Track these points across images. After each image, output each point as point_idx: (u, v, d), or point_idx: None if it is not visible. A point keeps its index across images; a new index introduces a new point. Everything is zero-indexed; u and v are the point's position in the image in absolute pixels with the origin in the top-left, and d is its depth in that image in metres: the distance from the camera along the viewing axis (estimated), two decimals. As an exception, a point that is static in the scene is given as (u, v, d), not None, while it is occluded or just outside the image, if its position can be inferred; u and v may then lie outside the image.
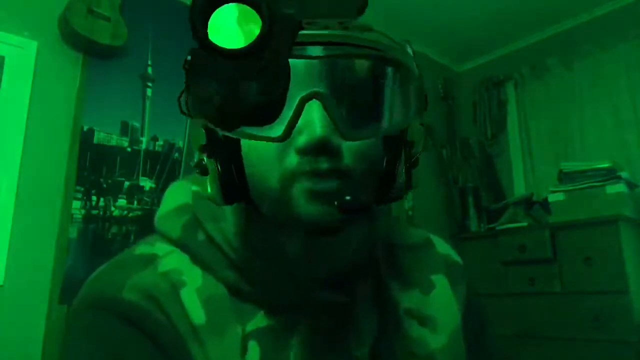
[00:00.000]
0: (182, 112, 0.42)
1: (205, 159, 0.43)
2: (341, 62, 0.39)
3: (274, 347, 0.46)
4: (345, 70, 0.40)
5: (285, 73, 0.32)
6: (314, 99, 0.38)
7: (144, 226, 1.83)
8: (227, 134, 0.39)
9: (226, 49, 0.29)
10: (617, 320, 2.08)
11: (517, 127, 3.15)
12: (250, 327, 0.46)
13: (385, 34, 0.41)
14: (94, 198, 1.73)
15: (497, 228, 2.64)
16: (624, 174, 2.31)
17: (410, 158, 0.45)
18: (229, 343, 0.45)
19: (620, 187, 2.27)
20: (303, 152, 0.40)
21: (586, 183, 2.35)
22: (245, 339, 0.46)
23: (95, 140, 1.77)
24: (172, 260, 0.49)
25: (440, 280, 0.58)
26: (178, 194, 0.55)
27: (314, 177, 0.40)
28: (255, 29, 0.29)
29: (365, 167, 0.42)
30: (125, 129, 1.86)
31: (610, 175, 2.30)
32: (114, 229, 1.75)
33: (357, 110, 0.41)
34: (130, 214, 1.81)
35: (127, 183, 1.82)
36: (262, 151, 0.41)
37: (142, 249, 0.51)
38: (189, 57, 0.37)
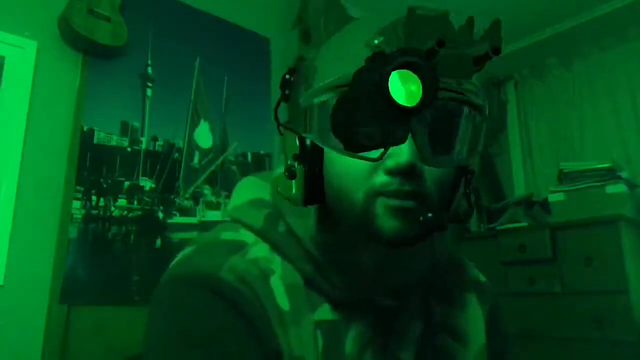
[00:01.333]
0: (279, 124, 0.50)
1: (296, 165, 0.49)
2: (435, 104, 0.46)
3: (334, 339, 0.51)
4: (440, 111, 0.46)
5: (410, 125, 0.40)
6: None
7: (144, 226, 1.83)
8: (334, 150, 0.45)
9: (403, 105, 0.37)
10: (617, 320, 2.08)
11: (517, 127, 3.15)
12: (317, 316, 0.52)
13: (471, 81, 0.47)
14: (94, 198, 1.73)
15: (497, 228, 2.64)
16: (624, 174, 2.31)
17: (470, 185, 0.52)
18: (305, 330, 0.50)
19: (620, 187, 2.27)
20: (392, 172, 0.45)
21: (586, 183, 2.35)
22: (315, 327, 0.51)
23: (95, 140, 1.77)
24: (259, 249, 0.54)
25: (472, 299, 0.64)
26: (252, 188, 0.60)
27: (397, 197, 0.46)
28: (411, 86, 0.37)
29: (442, 191, 0.49)
30: (125, 129, 1.86)
31: (610, 175, 2.30)
32: (114, 229, 1.75)
33: (439, 141, 0.46)
34: (130, 214, 1.81)
35: (127, 183, 1.82)
36: (350, 168, 0.47)
37: (227, 234, 0.55)
38: (287, 76, 0.50)
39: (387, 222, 0.46)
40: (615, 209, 2.22)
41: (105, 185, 1.77)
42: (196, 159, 2.04)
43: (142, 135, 1.90)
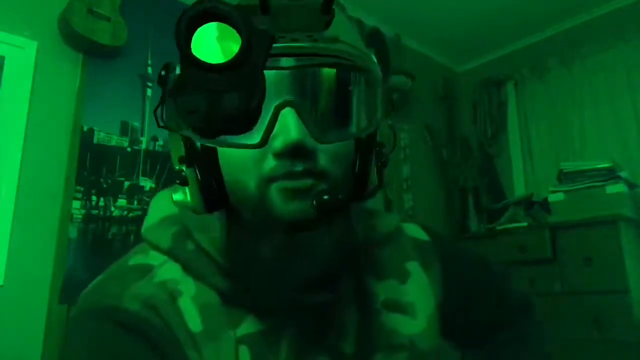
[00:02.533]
0: (159, 125, 0.45)
1: (184, 169, 0.45)
2: (311, 71, 0.43)
3: (264, 351, 0.48)
4: (315, 78, 0.43)
5: (262, 84, 0.35)
6: (287, 107, 0.41)
7: (144, 226, 1.83)
8: (207, 143, 0.42)
9: (210, 63, 0.31)
10: (617, 320, 2.08)
11: (517, 127, 3.15)
12: (240, 331, 0.49)
13: (351, 44, 0.44)
14: (94, 198, 1.73)
15: (497, 228, 2.64)
16: (624, 174, 2.31)
17: (381, 158, 0.49)
18: (224, 348, 0.47)
19: (620, 187, 2.27)
20: (280, 155, 0.42)
21: (586, 183, 2.35)
22: (236, 343, 0.48)
23: (95, 140, 1.77)
24: (167, 270, 0.51)
25: (414, 267, 0.60)
26: (164, 204, 0.56)
27: (289, 178, 0.42)
28: (233, 45, 0.31)
29: (339, 168, 0.45)
30: (125, 129, 1.86)
31: (610, 175, 2.30)
32: (114, 229, 1.75)
33: (327, 115, 0.44)
34: (130, 214, 1.81)
35: (127, 183, 1.82)
36: (239, 158, 0.43)
37: (135, 259, 0.52)
38: (163, 72, 0.42)
39: (282, 207, 0.43)
40: (615, 209, 2.22)
41: (105, 185, 1.77)
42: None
43: (142, 135, 1.90)
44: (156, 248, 0.52)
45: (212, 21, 0.32)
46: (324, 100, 0.44)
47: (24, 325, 1.52)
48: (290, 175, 0.42)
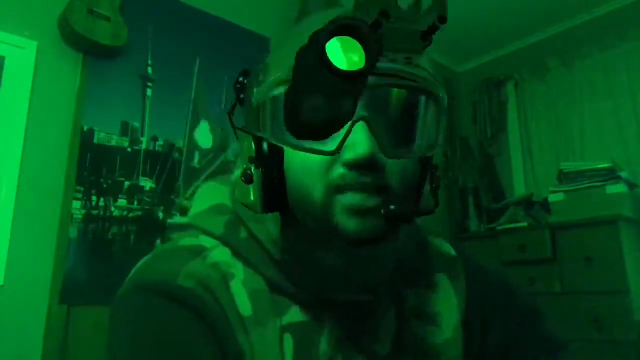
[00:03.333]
0: (233, 126, 0.49)
1: (252, 168, 0.48)
2: (388, 90, 0.45)
3: (306, 341, 0.50)
4: (389, 98, 0.45)
5: (358, 96, 0.38)
6: (361, 121, 0.42)
7: (144, 226, 1.83)
8: (285, 145, 0.44)
9: (343, 69, 0.35)
10: (617, 320, 2.08)
11: (517, 127, 3.15)
12: (285, 320, 0.50)
13: (428, 69, 0.46)
14: (94, 198, 1.73)
15: (497, 228, 2.65)
16: (624, 174, 2.31)
17: (435, 180, 0.51)
18: (270, 334, 0.49)
19: (620, 187, 2.27)
20: (350, 165, 0.43)
21: (586, 183, 2.35)
22: (281, 330, 0.50)
23: (95, 140, 1.77)
24: (219, 253, 0.52)
25: (442, 279, 0.62)
26: (212, 194, 0.58)
27: (357, 193, 0.44)
28: (353, 56, 0.35)
29: (404, 184, 0.47)
30: (125, 129, 1.86)
31: (610, 175, 2.30)
32: (114, 229, 1.75)
33: (397, 133, 0.46)
34: (130, 214, 1.81)
35: (127, 183, 1.82)
36: (308, 164, 0.45)
37: (186, 240, 0.53)
38: (241, 78, 0.48)
39: (346, 222, 0.44)
40: (615, 209, 2.22)
41: (105, 185, 1.77)
42: (196, 159, 2.04)
43: (142, 135, 1.90)
44: (207, 233, 0.53)
45: (347, 35, 0.35)
46: (396, 118, 0.45)
47: (24, 325, 1.52)
48: (358, 189, 0.44)
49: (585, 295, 2.21)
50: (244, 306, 0.49)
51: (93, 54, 1.79)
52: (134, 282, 0.50)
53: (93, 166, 1.75)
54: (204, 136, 2.08)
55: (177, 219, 0.61)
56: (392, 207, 0.43)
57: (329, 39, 0.35)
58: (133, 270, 0.52)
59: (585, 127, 2.81)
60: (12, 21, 1.66)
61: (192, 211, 0.57)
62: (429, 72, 0.45)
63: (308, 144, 0.41)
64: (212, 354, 0.47)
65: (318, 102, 0.36)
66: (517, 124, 3.15)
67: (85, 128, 1.75)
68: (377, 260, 0.54)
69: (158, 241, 1.85)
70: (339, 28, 0.35)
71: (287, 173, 0.47)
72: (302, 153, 0.44)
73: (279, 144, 0.45)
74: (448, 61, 3.45)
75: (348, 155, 0.43)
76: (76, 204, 1.68)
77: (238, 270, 0.51)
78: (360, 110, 0.42)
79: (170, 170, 1.95)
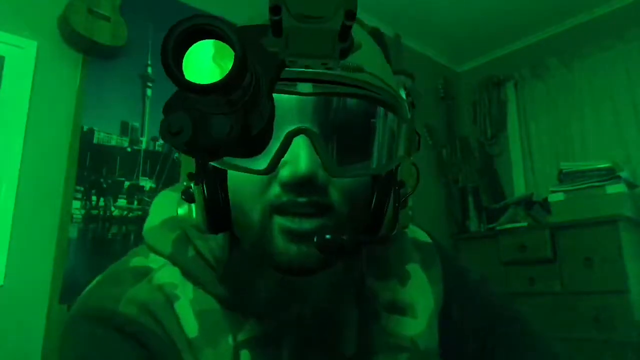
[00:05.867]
0: (172, 145, 0.41)
1: (192, 186, 0.44)
2: (330, 100, 0.40)
3: (266, 355, 0.47)
4: (334, 108, 0.40)
5: (265, 110, 0.31)
6: (301, 135, 0.38)
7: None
8: (212, 163, 0.40)
9: (199, 84, 0.27)
10: (617, 320, 2.08)
11: (517, 127, 3.15)
12: (241, 336, 0.48)
13: (378, 75, 0.41)
14: (94, 198, 1.73)
15: (497, 228, 2.65)
16: (624, 174, 2.32)
17: (399, 198, 0.46)
18: (222, 353, 0.46)
19: (620, 187, 2.27)
20: (286, 186, 0.40)
21: (586, 183, 2.35)
22: (237, 348, 0.47)
23: (95, 140, 1.77)
24: (166, 274, 0.50)
25: (414, 269, 0.59)
26: (166, 205, 0.55)
27: (294, 216, 0.40)
28: (229, 64, 0.28)
29: (350, 205, 0.42)
30: (125, 129, 1.86)
31: (610, 175, 2.30)
32: (114, 229, 1.75)
33: (345, 148, 0.41)
34: (130, 214, 1.81)
35: (127, 183, 1.82)
36: (246, 183, 0.41)
37: (136, 261, 0.51)
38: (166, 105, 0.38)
39: (282, 247, 0.41)
40: (615, 209, 2.22)
41: (105, 185, 1.77)
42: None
43: (142, 135, 1.90)
44: (157, 252, 0.52)
45: (205, 38, 0.28)
46: (341, 131, 0.41)
47: (24, 325, 1.52)
48: (295, 211, 0.40)
49: (585, 295, 2.21)
50: (190, 328, 0.47)
51: (93, 54, 1.79)
52: (80, 307, 0.49)
53: (93, 166, 1.75)
54: (204, 136, 2.08)
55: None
56: (327, 236, 0.39)
57: (183, 45, 0.28)
58: (82, 294, 0.50)
59: (585, 127, 2.81)
60: (12, 21, 1.66)
61: (148, 223, 0.55)
62: (378, 77, 0.41)
63: (239, 161, 0.37)
64: None
65: (183, 124, 0.29)
66: (517, 124, 3.15)
67: (85, 128, 1.75)
68: (315, 289, 0.50)
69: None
70: (192, 29, 0.28)
71: (230, 192, 0.44)
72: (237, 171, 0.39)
73: (206, 163, 0.40)
74: (448, 61, 3.45)
75: (284, 172, 0.39)
76: (76, 204, 1.68)
77: (187, 290, 0.49)
78: (299, 122, 0.38)
79: (170, 170, 1.95)
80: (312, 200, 0.40)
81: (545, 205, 2.56)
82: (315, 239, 0.39)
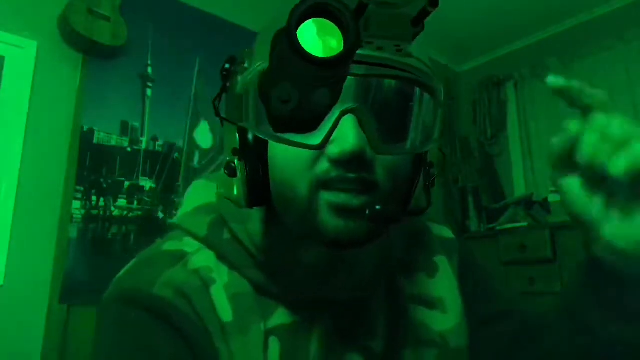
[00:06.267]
0: (218, 115, 0.45)
1: (235, 161, 0.45)
2: (380, 82, 0.42)
3: (294, 343, 0.48)
4: (383, 89, 0.43)
5: (341, 86, 0.35)
6: (350, 114, 0.40)
7: (144, 226, 1.83)
8: (267, 137, 0.41)
9: (318, 57, 0.31)
10: (617, 320, 2.08)
11: (517, 127, 3.15)
12: (271, 323, 0.48)
13: (422, 60, 0.43)
14: (94, 198, 1.73)
15: (497, 228, 2.65)
16: (624, 174, 2.31)
17: (430, 178, 0.49)
18: (253, 340, 0.47)
19: (620, 187, 2.27)
20: (336, 161, 0.41)
21: (586, 183, 2.35)
22: (266, 334, 0.48)
23: (95, 140, 1.77)
24: (201, 257, 0.50)
25: (442, 261, 0.60)
26: (200, 192, 0.56)
27: (342, 192, 0.41)
28: (332, 41, 0.31)
29: (394, 181, 0.44)
30: (125, 129, 1.86)
31: (610, 175, 2.30)
32: (114, 229, 1.75)
33: (390, 127, 0.43)
34: (130, 214, 1.81)
35: (127, 183, 1.82)
36: (292, 159, 0.43)
37: (169, 245, 0.52)
38: (227, 65, 0.44)
39: (329, 222, 0.42)
40: (615, 209, 2.21)
41: (105, 185, 1.77)
42: (196, 159, 2.04)
43: (142, 135, 1.90)
44: (192, 235, 0.52)
45: (322, 17, 0.31)
46: (387, 112, 0.43)
47: (24, 325, 1.52)
48: (343, 186, 0.41)
49: (585, 295, 2.20)
50: (225, 312, 0.47)
51: (93, 54, 1.79)
52: (114, 290, 0.50)
53: (93, 166, 1.75)
54: (204, 136, 2.08)
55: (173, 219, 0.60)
56: (377, 207, 0.40)
57: (301, 22, 0.31)
58: (117, 276, 0.51)
59: (585, 127, 2.81)
60: (12, 21, 1.66)
61: (181, 211, 0.56)
62: (423, 62, 0.43)
63: (292, 137, 0.38)
64: None
65: (291, 93, 0.33)
66: (517, 124, 3.15)
67: (85, 128, 1.75)
68: (361, 261, 0.52)
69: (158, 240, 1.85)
70: (312, 9, 0.31)
71: (272, 167, 0.45)
72: (285, 146, 0.40)
73: (262, 136, 0.41)
74: (448, 61, 3.45)
75: (334, 149, 0.40)
76: (76, 204, 1.68)
77: (222, 274, 0.49)
78: (349, 102, 0.40)
79: (170, 170, 1.95)
80: (360, 176, 0.41)
81: (545, 205, 2.56)
82: (367, 212, 0.40)
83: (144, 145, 1.90)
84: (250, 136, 0.45)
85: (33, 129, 1.64)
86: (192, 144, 2.04)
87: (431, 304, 0.56)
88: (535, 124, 3.06)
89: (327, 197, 0.42)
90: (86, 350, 1.58)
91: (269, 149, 0.45)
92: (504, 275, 2.51)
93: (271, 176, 0.45)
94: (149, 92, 1.95)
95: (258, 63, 0.40)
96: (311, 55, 0.30)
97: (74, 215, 1.67)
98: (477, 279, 0.63)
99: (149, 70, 1.96)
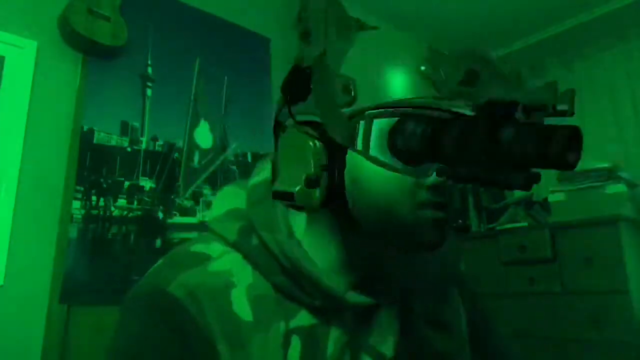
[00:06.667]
0: (296, 122, 0.53)
1: (322, 173, 0.51)
2: None
3: (313, 343, 0.53)
4: None
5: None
6: None
7: (144, 226, 1.83)
8: (391, 169, 0.49)
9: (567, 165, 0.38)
10: (617, 320, 2.08)
11: (517, 127, 3.14)
12: (293, 324, 0.53)
13: None
14: (94, 198, 1.73)
15: (497, 228, 2.64)
16: (624, 174, 2.31)
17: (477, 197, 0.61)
18: (273, 338, 0.51)
19: (620, 187, 2.27)
20: (433, 188, 0.51)
21: (586, 183, 2.35)
22: (288, 334, 0.52)
23: (95, 140, 1.77)
24: (225, 261, 0.55)
25: (453, 292, 0.68)
26: (230, 198, 0.61)
27: (437, 209, 0.51)
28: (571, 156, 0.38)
29: (461, 203, 0.58)
30: (125, 129, 1.86)
31: (610, 175, 2.30)
32: (114, 229, 1.75)
33: None
34: (130, 214, 1.81)
35: (127, 183, 1.82)
36: (393, 184, 0.50)
37: (197, 247, 0.57)
38: (306, 70, 0.51)
39: (431, 233, 0.51)
40: (615, 209, 2.22)
41: (105, 185, 1.77)
42: (196, 159, 2.04)
43: (142, 135, 1.90)
44: (222, 239, 0.56)
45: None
46: None
47: (24, 325, 1.52)
48: (436, 205, 0.51)
49: (585, 295, 2.20)
50: (244, 312, 0.51)
51: (93, 54, 1.79)
52: (136, 288, 0.55)
53: (93, 166, 1.75)
54: (204, 136, 2.08)
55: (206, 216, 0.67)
56: (460, 221, 0.51)
57: (565, 148, 0.37)
58: (147, 273, 0.56)
59: (585, 127, 2.81)
60: (12, 21, 1.66)
61: (211, 214, 0.60)
62: None
63: (408, 170, 0.49)
64: None
65: (485, 171, 0.41)
66: (517, 124, 3.14)
67: (85, 128, 1.75)
68: (428, 263, 0.64)
69: (158, 240, 1.85)
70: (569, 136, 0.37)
71: (355, 182, 0.51)
72: (384, 172, 0.49)
73: (380, 165, 0.49)
74: (448, 61, 3.45)
75: (431, 180, 0.50)
76: (76, 204, 1.68)
77: (247, 276, 0.54)
78: None
79: (170, 170, 1.95)
80: (446, 200, 0.52)
81: (545, 205, 2.55)
82: (454, 224, 0.54)
83: (144, 145, 1.90)
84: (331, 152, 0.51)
85: (33, 129, 1.64)
86: (192, 144, 2.04)
87: (441, 326, 0.63)
88: (535, 124, 3.05)
89: (426, 214, 0.51)
90: (86, 350, 1.58)
91: (349, 167, 0.51)
92: (503, 275, 2.51)
93: (352, 190, 0.51)
94: (149, 92, 1.95)
95: (390, 104, 0.50)
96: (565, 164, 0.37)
97: (74, 215, 1.67)
98: (483, 313, 0.72)
99: (149, 70, 1.96)
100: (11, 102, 1.61)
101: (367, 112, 0.50)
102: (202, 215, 1.98)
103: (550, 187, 2.52)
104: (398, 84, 0.51)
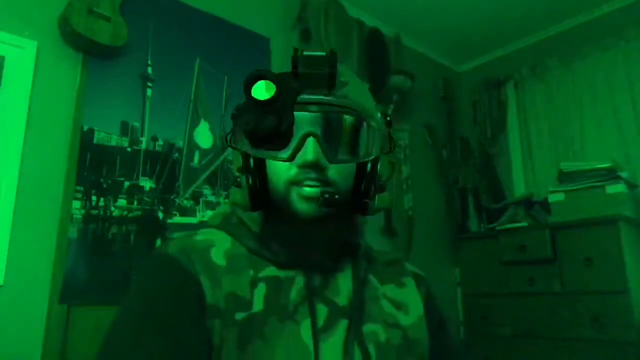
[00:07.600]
0: (229, 145, 0.66)
1: (240, 176, 0.68)
2: (328, 115, 0.65)
3: (278, 288, 0.67)
4: (330, 120, 0.65)
5: (289, 116, 0.59)
6: (310, 136, 0.63)
7: (144, 226, 1.83)
8: (255, 154, 0.64)
9: (259, 99, 0.57)
10: (617, 320, 2.09)
11: (517, 127, 3.15)
12: (262, 274, 0.68)
13: (358, 101, 0.68)
14: (94, 198, 1.73)
15: (497, 228, 2.65)
16: (624, 174, 2.32)
17: (373, 181, 0.70)
18: (242, 280, 0.67)
19: (620, 187, 2.27)
20: (300, 166, 0.65)
21: (586, 183, 2.35)
22: (256, 279, 0.67)
23: (95, 140, 1.77)
24: (210, 234, 0.73)
25: (409, 281, 0.81)
26: (221, 207, 0.85)
27: (305, 186, 0.65)
28: (272, 92, 0.58)
29: (343, 180, 0.68)
30: (125, 129, 1.86)
31: (610, 175, 2.30)
32: (114, 229, 1.75)
33: (337, 145, 0.66)
34: (130, 214, 1.81)
35: (127, 183, 1.82)
36: (277, 168, 0.67)
37: (191, 232, 0.74)
38: (235, 112, 0.64)
39: (299, 206, 0.65)
40: (615, 209, 2.22)
41: (105, 185, 1.76)
42: (196, 159, 2.04)
43: (142, 135, 1.90)
44: (212, 226, 0.75)
45: (261, 80, 0.58)
46: (334, 134, 0.65)
47: (24, 325, 1.52)
48: (306, 180, 0.65)
49: (585, 295, 2.21)
50: (220, 261, 0.68)
51: (93, 54, 1.79)
52: (153, 252, 0.73)
53: (93, 166, 1.75)
54: (204, 136, 2.08)
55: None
56: (326, 195, 0.63)
57: (254, 82, 0.57)
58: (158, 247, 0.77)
59: (585, 127, 2.81)
60: (12, 21, 1.66)
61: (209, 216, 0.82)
62: (357, 102, 0.67)
63: (272, 153, 0.62)
64: (184, 289, 0.65)
65: (250, 119, 0.59)
66: (517, 124, 3.15)
67: (85, 128, 1.75)
68: (321, 235, 0.72)
69: (158, 240, 1.85)
70: (258, 75, 0.58)
71: (269, 176, 0.69)
72: (274, 161, 0.66)
73: (252, 154, 0.65)
74: (448, 61, 3.46)
75: (299, 160, 0.64)
76: (76, 204, 1.68)
77: (226, 243, 0.71)
78: (309, 128, 0.63)
79: (170, 170, 1.95)
80: (317, 177, 0.65)
81: (545, 205, 2.56)
82: (324, 196, 0.63)
83: (144, 145, 1.90)
84: (251, 158, 0.67)
85: (33, 129, 1.64)
86: (192, 144, 2.04)
87: (396, 304, 0.76)
88: (535, 124, 3.06)
89: (296, 190, 0.66)
90: (86, 350, 1.59)
91: (267, 164, 0.69)
92: (503, 275, 2.51)
93: (269, 183, 0.69)
94: (149, 92, 1.95)
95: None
96: (256, 98, 0.57)
97: (74, 215, 1.67)
98: (440, 313, 0.83)
99: (149, 70, 1.96)
100: (11, 102, 1.61)
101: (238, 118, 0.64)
102: (202, 215, 1.98)
103: (550, 187, 2.52)
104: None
